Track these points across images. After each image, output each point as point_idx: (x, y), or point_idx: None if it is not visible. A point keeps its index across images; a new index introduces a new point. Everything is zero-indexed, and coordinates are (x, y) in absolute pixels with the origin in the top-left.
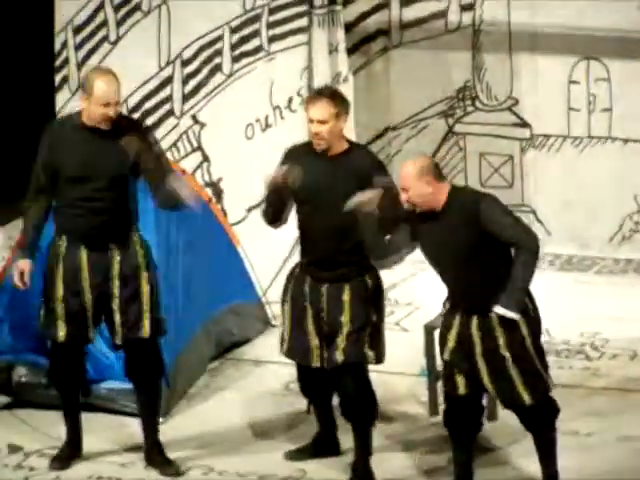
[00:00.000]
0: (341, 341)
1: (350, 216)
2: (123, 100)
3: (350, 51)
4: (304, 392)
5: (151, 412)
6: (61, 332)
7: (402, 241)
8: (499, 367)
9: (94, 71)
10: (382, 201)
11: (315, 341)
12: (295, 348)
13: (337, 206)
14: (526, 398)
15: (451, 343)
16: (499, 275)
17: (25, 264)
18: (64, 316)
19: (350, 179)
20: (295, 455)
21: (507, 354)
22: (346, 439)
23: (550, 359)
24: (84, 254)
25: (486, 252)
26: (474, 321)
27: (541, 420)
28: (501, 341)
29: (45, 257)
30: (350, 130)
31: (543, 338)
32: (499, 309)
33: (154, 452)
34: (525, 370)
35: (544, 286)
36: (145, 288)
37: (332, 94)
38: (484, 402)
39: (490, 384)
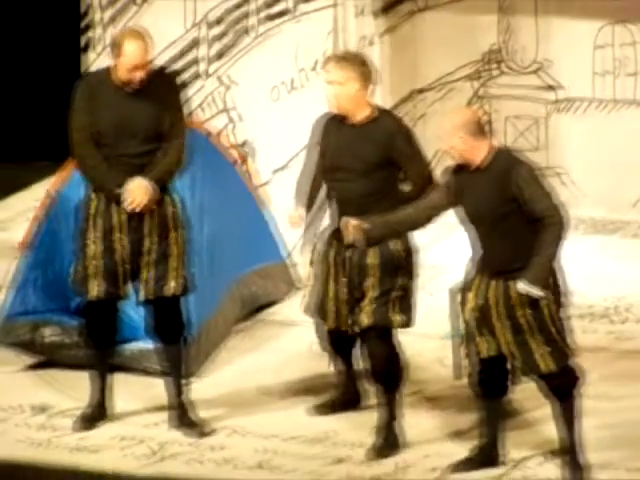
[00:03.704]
0: (366, 304)
1: (376, 182)
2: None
3: (377, 14)
4: (326, 348)
5: (174, 372)
6: (95, 289)
7: (437, 199)
8: (517, 334)
9: (125, 33)
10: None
11: (340, 304)
12: (318, 307)
13: (363, 172)
14: (543, 366)
15: (470, 303)
16: (525, 245)
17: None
18: (99, 274)
19: (375, 145)
20: (318, 410)
21: (524, 322)
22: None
23: (574, 323)
24: (118, 212)
25: (515, 219)
26: (492, 285)
27: (560, 388)
28: (519, 309)
29: (76, 216)
30: (376, 93)
31: (567, 301)
32: (523, 286)
33: (178, 413)
34: (543, 339)
35: (568, 250)
36: (174, 249)
37: (350, 59)
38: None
39: (508, 350)
